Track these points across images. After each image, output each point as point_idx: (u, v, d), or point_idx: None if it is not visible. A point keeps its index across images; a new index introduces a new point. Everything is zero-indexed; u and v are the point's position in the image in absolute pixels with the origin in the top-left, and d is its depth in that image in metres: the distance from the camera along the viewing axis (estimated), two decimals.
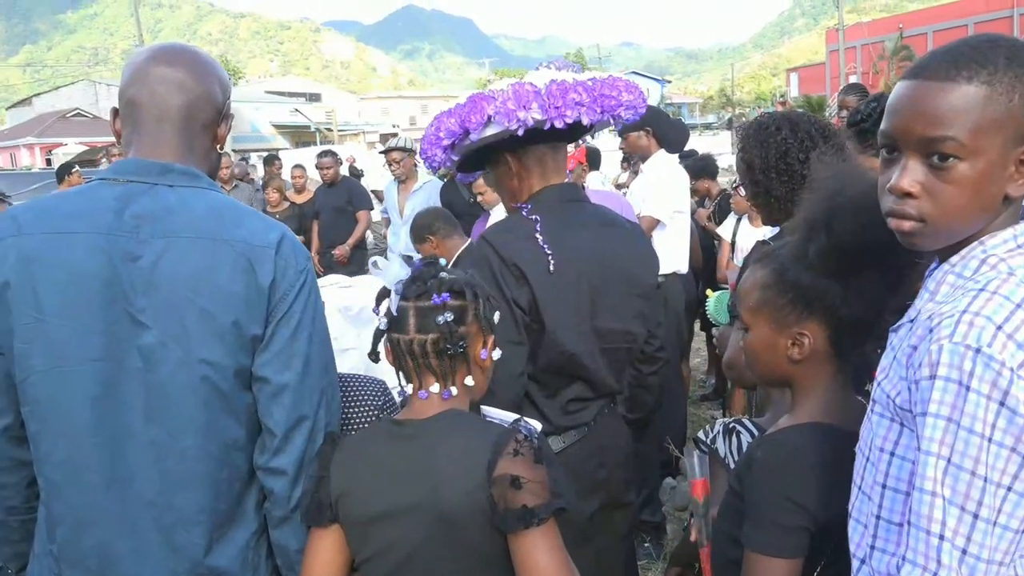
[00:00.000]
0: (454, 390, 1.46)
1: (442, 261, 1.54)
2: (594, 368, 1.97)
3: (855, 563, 1.08)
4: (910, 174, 1.04)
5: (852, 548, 1.10)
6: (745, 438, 1.78)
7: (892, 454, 1.06)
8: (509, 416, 1.50)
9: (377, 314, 1.47)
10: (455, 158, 2.01)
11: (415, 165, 6.13)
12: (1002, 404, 0.93)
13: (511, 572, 1.37)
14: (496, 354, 1.52)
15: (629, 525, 2.21)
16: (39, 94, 59.51)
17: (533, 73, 1.98)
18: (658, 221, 4.38)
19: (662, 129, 4.55)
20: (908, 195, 1.05)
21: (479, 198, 5.06)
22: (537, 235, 1.87)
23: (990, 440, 0.94)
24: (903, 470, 1.05)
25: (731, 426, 1.90)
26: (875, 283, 1.35)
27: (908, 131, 1.05)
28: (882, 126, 1.09)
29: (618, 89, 1.94)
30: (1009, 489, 0.94)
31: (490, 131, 1.88)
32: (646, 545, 3.88)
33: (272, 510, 1.54)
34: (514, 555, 1.34)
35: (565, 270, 1.87)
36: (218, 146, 1.62)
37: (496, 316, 1.51)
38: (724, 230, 5.40)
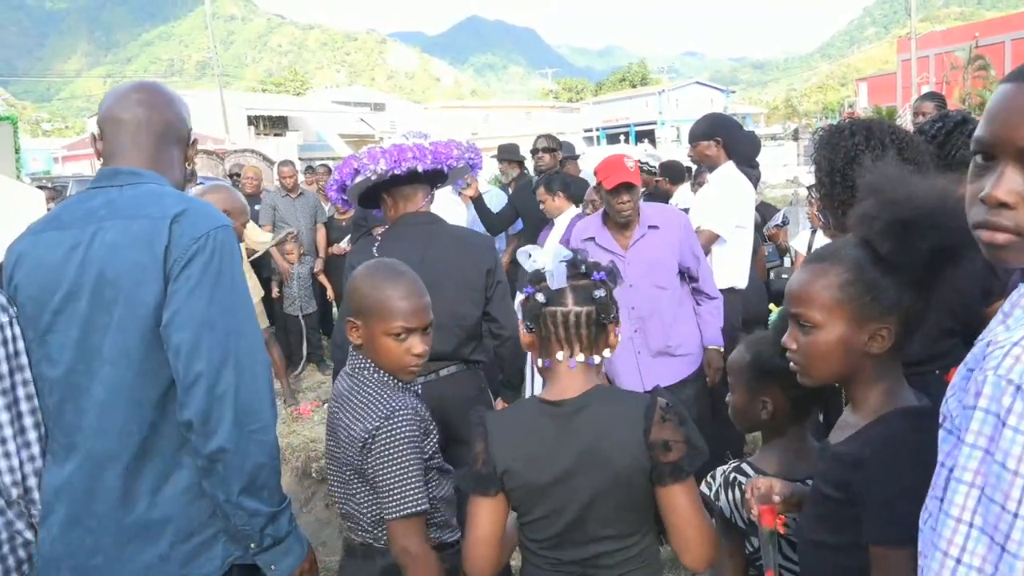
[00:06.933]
0: (597, 358, 1.67)
1: None
2: None
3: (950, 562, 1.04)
4: (1007, 183, 0.96)
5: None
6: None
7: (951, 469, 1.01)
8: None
9: (530, 294, 1.67)
10: (345, 198, 2.97)
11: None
12: None
13: (651, 511, 1.66)
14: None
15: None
16: None
17: (394, 138, 2.92)
18: (717, 236, 4.23)
19: (732, 140, 4.41)
20: (1004, 205, 0.97)
21: (541, 206, 5.19)
22: (373, 248, 2.80)
23: None
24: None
25: (731, 477, 1.92)
26: (947, 287, 1.40)
27: (1010, 138, 0.96)
28: (978, 131, 1.01)
29: (450, 147, 2.88)
30: None
31: (358, 179, 2.82)
32: None
33: (195, 459, 1.66)
34: (663, 501, 1.62)
35: None
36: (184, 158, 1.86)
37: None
38: (799, 243, 5.24)
